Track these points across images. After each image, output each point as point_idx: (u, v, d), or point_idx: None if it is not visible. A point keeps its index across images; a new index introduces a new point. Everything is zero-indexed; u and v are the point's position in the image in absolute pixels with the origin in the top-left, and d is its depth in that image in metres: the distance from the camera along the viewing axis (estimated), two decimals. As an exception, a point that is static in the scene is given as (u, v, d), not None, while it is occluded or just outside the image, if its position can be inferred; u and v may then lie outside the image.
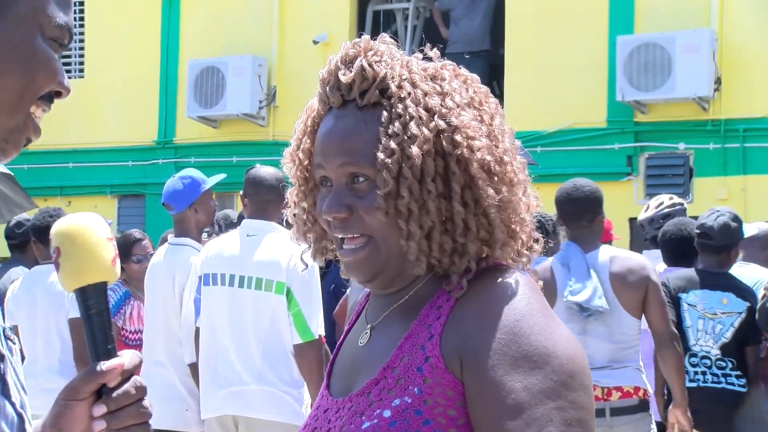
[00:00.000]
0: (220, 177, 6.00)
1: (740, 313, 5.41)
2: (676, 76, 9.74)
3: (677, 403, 5.19)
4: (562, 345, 1.54)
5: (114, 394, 1.45)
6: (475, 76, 1.70)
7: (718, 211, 5.68)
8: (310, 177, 1.70)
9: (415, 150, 1.57)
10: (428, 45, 1.71)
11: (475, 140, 1.60)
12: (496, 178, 1.61)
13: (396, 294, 1.67)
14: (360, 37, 1.67)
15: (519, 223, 1.64)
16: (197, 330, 5.13)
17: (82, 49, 12.74)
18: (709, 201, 9.68)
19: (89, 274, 1.49)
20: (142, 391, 1.46)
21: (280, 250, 4.97)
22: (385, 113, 1.60)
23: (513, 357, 1.51)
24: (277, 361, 4.97)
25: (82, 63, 12.76)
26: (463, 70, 1.70)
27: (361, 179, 1.62)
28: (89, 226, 1.51)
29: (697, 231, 5.64)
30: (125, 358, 1.47)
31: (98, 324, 1.50)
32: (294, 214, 1.75)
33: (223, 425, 5.04)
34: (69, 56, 12.94)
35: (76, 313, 5.62)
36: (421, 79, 1.63)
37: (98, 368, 1.44)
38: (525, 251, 1.66)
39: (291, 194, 1.74)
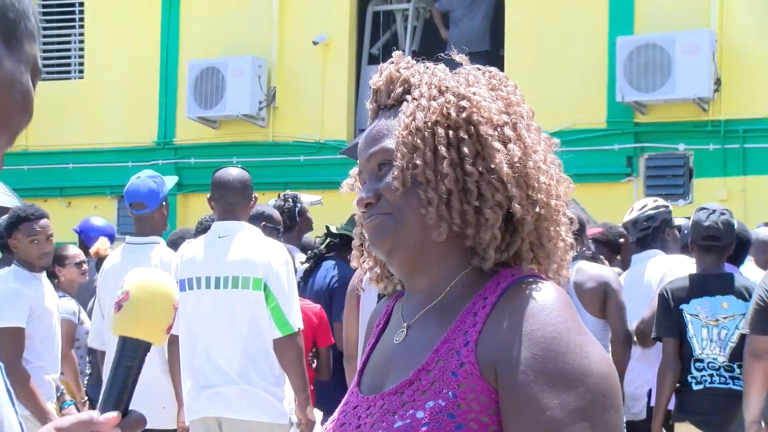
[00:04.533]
0: (173, 179, 6.12)
1: (743, 314, 5.22)
2: (676, 76, 9.73)
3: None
4: (597, 364, 1.56)
5: None
6: (502, 74, 1.76)
7: (713, 209, 5.52)
8: None
9: (419, 115, 1.65)
10: (458, 52, 1.76)
11: (482, 103, 1.66)
12: (507, 138, 1.66)
13: (431, 292, 1.70)
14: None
15: (537, 189, 1.66)
16: (175, 338, 5.11)
17: (82, 49, 12.73)
18: (709, 202, 9.68)
19: (143, 330, 1.52)
20: None
21: (254, 246, 5.01)
22: (405, 104, 1.70)
23: (549, 374, 1.53)
24: (258, 358, 5.00)
25: (82, 63, 12.75)
26: (496, 71, 1.77)
27: (385, 166, 1.69)
28: (167, 288, 1.55)
29: (703, 233, 5.43)
30: (131, 416, 1.48)
31: (122, 375, 1.51)
32: (357, 242, 1.81)
33: (207, 427, 5.05)
34: (69, 56, 12.95)
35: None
36: (442, 71, 1.73)
37: (95, 417, 1.45)
38: (560, 251, 1.69)
39: (357, 218, 1.80)
